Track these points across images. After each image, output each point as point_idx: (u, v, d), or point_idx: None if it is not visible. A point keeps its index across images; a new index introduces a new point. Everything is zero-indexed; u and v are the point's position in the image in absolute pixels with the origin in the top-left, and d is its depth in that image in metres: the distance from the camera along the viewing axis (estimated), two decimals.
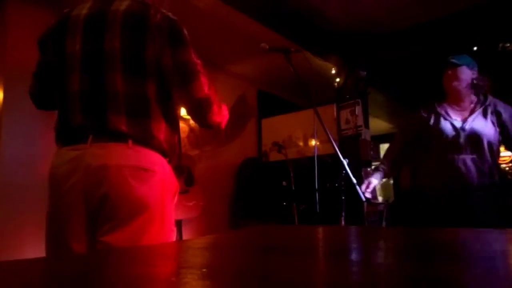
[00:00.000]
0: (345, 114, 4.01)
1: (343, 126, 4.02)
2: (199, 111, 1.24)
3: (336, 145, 2.01)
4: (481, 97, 2.12)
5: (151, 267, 0.54)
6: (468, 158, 2.02)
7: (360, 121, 3.89)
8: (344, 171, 2.02)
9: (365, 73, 4.03)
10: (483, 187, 1.99)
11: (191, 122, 3.82)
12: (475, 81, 2.10)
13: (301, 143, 4.39)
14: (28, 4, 2.73)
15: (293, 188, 3.49)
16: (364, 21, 3.61)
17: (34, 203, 2.39)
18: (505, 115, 2.05)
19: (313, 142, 3.71)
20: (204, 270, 0.48)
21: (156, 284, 0.40)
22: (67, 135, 1.18)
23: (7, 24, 2.62)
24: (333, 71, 4.14)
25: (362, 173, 3.77)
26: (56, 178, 1.15)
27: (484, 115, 2.07)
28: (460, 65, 2.12)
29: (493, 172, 2.02)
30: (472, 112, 2.09)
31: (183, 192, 3.29)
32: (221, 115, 1.32)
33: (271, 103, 4.84)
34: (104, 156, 1.10)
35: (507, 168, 6.95)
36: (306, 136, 4.42)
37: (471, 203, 1.98)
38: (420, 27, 3.68)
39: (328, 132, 2.00)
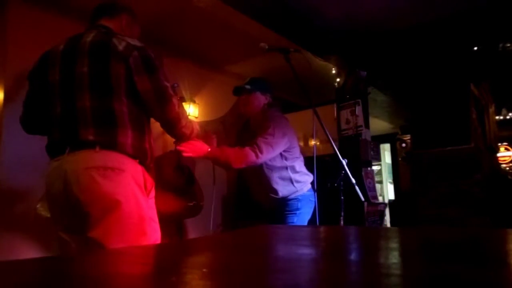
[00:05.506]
0: (345, 114, 4.01)
1: (344, 126, 4.01)
2: (169, 126, 1.49)
3: (336, 145, 2.01)
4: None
5: (152, 267, 0.54)
6: None
7: (361, 121, 3.89)
8: (343, 171, 2.02)
9: (365, 73, 4.04)
10: None
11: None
12: (267, 106, 2.28)
13: (301, 143, 4.38)
14: (29, 5, 2.73)
15: None
16: (364, 21, 3.61)
17: (34, 202, 2.40)
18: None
19: (312, 142, 3.70)
20: (204, 270, 0.48)
21: (156, 284, 0.40)
22: (52, 150, 1.39)
23: (7, 25, 2.62)
24: (333, 71, 4.14)
25: (363, 173, 3.77)
26: (48, 186, 1.35)
27: None
28: (253, 91, 2.23)
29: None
30: None
31: (183, 192, 3.28)
32: (189, 128, 1.56)
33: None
34: (75, 161, 1.28)
35: (507, 168, 6.93)
36: (306, 136, 4.42)
37: None
38: (420, 27, 3.68)
39: (327, 132, 2.00)
